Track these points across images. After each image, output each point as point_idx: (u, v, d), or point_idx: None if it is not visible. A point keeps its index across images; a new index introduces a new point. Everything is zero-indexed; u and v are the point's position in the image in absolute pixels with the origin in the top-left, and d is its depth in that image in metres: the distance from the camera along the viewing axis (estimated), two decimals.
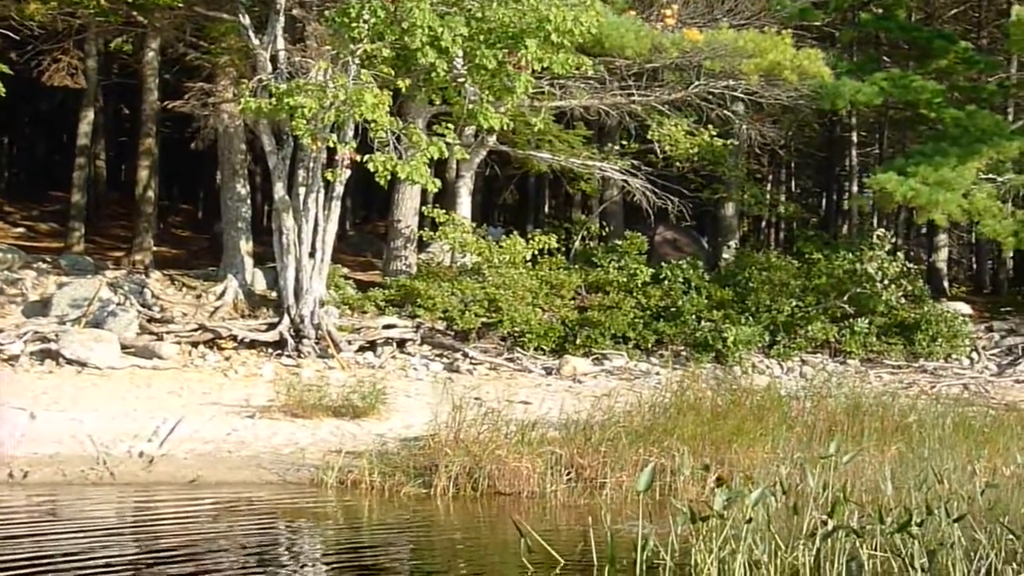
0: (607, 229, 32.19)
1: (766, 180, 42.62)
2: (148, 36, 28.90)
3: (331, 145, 21.87)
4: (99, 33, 28.67)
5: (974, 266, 45.61)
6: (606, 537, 10.29)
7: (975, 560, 9.29)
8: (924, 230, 40.16)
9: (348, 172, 22.92)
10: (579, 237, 31.80)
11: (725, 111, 29.72)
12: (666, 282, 27.49)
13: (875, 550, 9.60)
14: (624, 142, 30.21)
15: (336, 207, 24.05)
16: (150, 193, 30.88)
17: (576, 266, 28.48)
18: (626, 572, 9.95)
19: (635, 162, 29.27)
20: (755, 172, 39.64)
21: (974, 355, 27.65)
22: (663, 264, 28.32)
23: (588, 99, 27.79)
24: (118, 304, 23.59)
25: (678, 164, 30.48)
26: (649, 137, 29.48)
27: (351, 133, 22.18)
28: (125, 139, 41.22)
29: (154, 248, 30.61)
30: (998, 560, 9.26)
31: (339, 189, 23.77)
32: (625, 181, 29.40)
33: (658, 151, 29.69)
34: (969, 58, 31.50)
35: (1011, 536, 9.78)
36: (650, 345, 26.15)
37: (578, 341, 25.54)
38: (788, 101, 28.32)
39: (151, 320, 23.44)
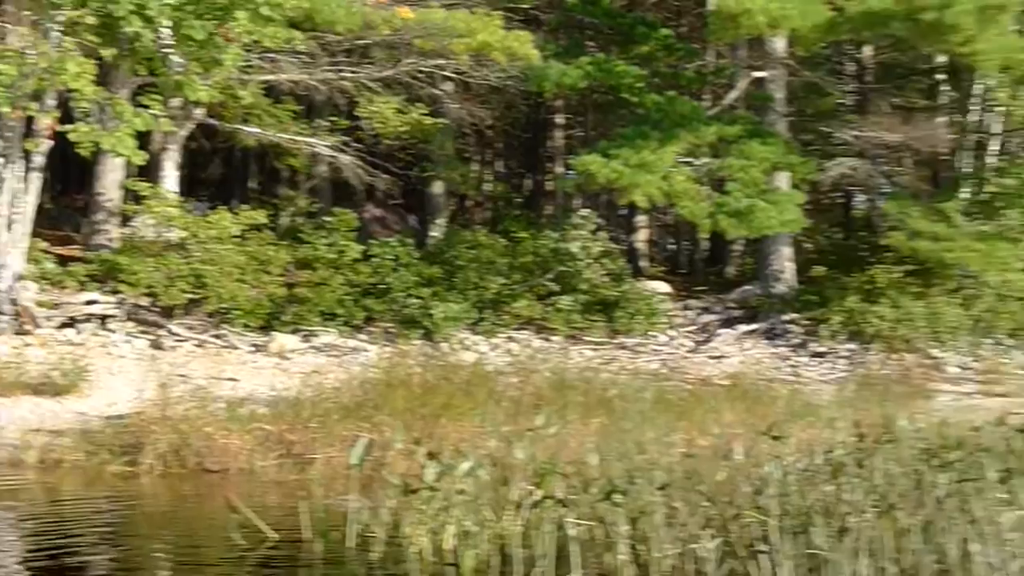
0: (316, 206, 32.00)
1: (474, 160, 43.11)
2: None
3: (31, 114, 21.09)
4: None
5: (670, 247, 47.26)
6: (317, 512, 10.30)
7: (674, 526, 9.69)
8: (624, 211, 41.32)
9: (49, 143, 22.15)
10: (287, 213, 31.50)
11: (435, 90, 29.94)
12: (376, 259, 27.50)
13: (581, 519, 9.89)
14: (334, 118, 30.07)
15: (36, 179, 23.11)
16: None
17: (285, 242, 28.19)
18: (338, 545, 9.99)
19: (345, 139, 29.15)
20: (463, 151, 40.05)
21: (671, 332, 28.63)
22: (372, 241, 28.32)
23: (298, 74, 27.55)
24: None
25: (388, 142, 30.53)
26: (358, 114, 29.44)
27: (52, 102, 21.42)
28: None
29: None
30: (696, 526, 9.68)
31: (40, 160, 22.89)
32: (334, 157, 29.31)
33: (367, 128, 29.67)
34: (670, 45, 32.49)
35: (707, 503, 10.24)
36: (359, 322, 26.16)
37: (286, 318, 25.33)
38: (496, 82, 28.71)
39: None
